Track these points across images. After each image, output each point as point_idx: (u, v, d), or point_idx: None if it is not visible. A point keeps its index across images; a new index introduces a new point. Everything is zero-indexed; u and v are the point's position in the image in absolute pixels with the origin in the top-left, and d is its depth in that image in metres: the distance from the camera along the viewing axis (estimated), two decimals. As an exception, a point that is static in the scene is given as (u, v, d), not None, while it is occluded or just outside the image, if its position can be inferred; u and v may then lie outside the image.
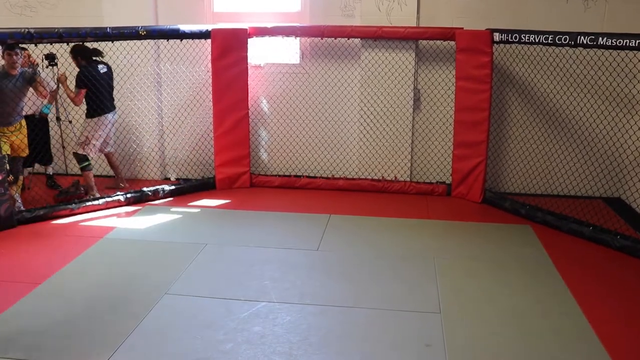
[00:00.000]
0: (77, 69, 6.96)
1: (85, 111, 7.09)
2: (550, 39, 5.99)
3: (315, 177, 7.71)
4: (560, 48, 6.40)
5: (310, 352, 3.96)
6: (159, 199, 7.21)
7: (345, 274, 5.19)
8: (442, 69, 7.31)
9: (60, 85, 6.98)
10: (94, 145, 7.09)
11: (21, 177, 6.80)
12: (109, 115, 7.17)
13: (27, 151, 6.68)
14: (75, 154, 7.11)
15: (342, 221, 6.42)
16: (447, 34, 6.91)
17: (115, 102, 7.30)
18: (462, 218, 6.55)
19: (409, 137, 7.51)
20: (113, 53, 7.29)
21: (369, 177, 7.63)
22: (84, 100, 6.93)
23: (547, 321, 4.36)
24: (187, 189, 7.49)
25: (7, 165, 6.21)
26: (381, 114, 7.44)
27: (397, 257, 5.50)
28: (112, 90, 7.23)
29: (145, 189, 7.23)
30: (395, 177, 7.59)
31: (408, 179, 7.61)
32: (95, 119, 7.04)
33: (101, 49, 7.06)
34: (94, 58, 7.00)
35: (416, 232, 6.16)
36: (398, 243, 5.83)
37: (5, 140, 6.37)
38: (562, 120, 7.09)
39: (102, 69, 7.05)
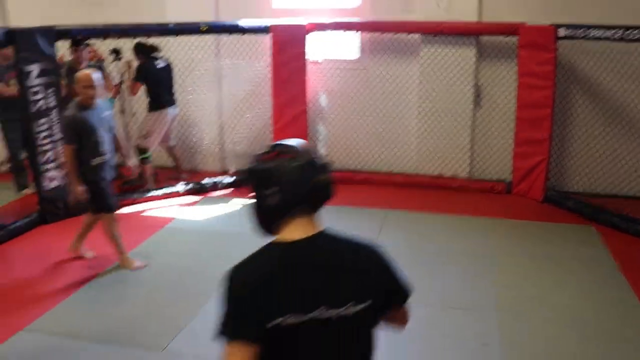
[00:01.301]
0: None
1: (147, 105, 7.27)
2: (619, 34, 5.79)
3: (373, 172, 7.69)
4: (630, 44, 6.16)
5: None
6: (218, 191, 7.33)
7: (401, 270, 5.15)
8: (504, 65, 7.17)
9: (123, 77, 7.19)
10: (154, 138, 7.25)
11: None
12: (169, 110, 7.32)
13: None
14: (137, 146, 7.30)
15: (400, 217, 6.39)
16: (510, 29, 6.77)
17: (176, 97, 7.45)
18: (523, 217, 6.42)
19: (469, 134, 7.40)
20: (175, 48, 7.44)
21: (427, 174, 7.57)
22: (146, 95, 7.11)
23: (608, 326, 4.23)
24: (245, 182, 7.58)
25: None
26: (440, 110, 7.36)
27: (455, 254, 5.45)
28: (172, 85, 7.38)
29: (204, 180, 7.38)
30: (454, 174, 7.50)
31: (467, 176, 7.51)
32: (156, 113, 7.19)
33: (162, 45, 7.22)
34: (151, 55, 7.16)
35: (475, 229, 6.08)
36: (456, 240, 5.77)
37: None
38: (630, 119, 6.85)
39: (159, 64, 7.20)
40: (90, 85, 4.86)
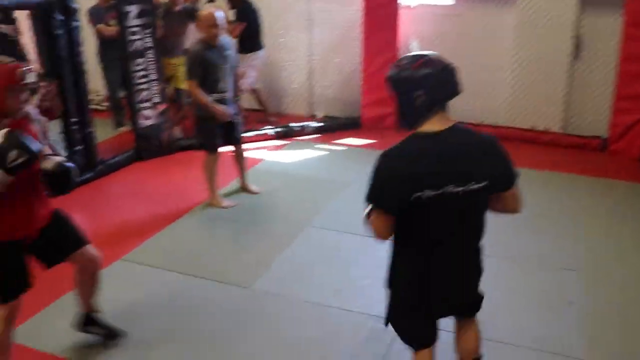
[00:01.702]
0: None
1: (238, 47, 7.34)
2: None
3: (462, 123, 7.53)
4: None
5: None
6: (306, 135, 7.41)
7: (487, 225, 5.10)
8: (608, 15, 6.76)
9: None
10: (248, 80, 7.35)
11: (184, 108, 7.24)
12: (260, 52, 7.39)
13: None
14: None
15: (487, 170, 6.27)
16: (618, -25, 6.38)
17: (264, 41, 7.48)
18: (617, 176, 6.15)
19: (565, 87, 7.09)
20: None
21: (518, 126, 7.35)
22: (239, 37, 7.17)
23: None
24: (333, 127, 7.64)
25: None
26: (536, 61, 7.07)
27: (542, 210, 5.31)
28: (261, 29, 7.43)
29: (292, 124, 7.46)
30: (547, 128, 7.26)
31: (560, 131, 7.24)
32: (249, 55, 7.27)
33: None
34: None
35: (565, 186, 5.89)
36: (544, 197, 5.62)
37: (168, 72, 6.80)
38: None
39: (251, 5, 7.24)
40: (213, 24, 4.95)
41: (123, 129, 7.36)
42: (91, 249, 3.25)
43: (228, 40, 5.26)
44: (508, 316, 3.80)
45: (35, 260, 3.11)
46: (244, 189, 5.71)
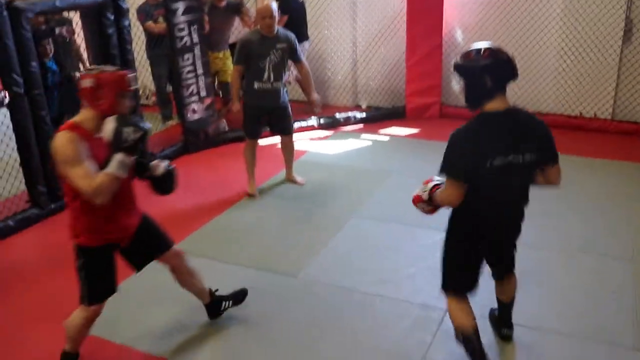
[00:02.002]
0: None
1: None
2: None
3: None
4: None
5: (490, 283, 3.99)
6: (350, 125, 7.45)
7: (534, 212, 5.06)
8: (662, -4, 6.59)
9: None
10: (293, 72, 7.42)
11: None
12: (306, 44, 7.45)
13: (232, 77, 7.19)
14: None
15: (533, 157, 6.19)
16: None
17: (309, 32, 7.54)
18: (669, 162, 6.02)
19: (615, 72, 6.95)
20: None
21: (566, 113, 7.24)
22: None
23: None
24: (377, 117, 7.67)
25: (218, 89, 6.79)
26: (584, 46, 6.94)
27: (591, 198, 5.25)
28: (305, 20, 7.48)
29: (337, 115, 7.52)
30: (595, 115, 7.12)
31: (609, 117, 7.10)
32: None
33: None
34: None
35: (615, 174, 5.80)
36: (593, 184, 5.55)
37: (214, 66, 6.92)
38: None
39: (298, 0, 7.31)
40: (265, 15, 5.11)
41: (171, 122, 7.53)
42: (176, 248, 3.43)
43: (285, 33, 5.36)
44: (553, 304, 3.79)
45: (126, 263, 3.30)
46: (289, 179, 5.81)
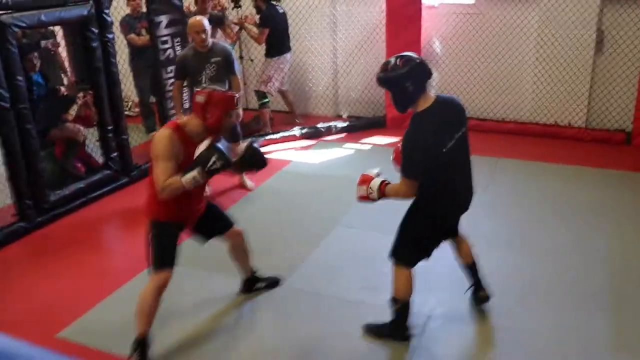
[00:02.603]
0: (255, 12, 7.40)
1: (266, 51, 7.53)
2: None
3: (485, 120, 7.65)
4: None
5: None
6: (332, 135, 7.57)
7: (512, 218, 5.21)
8: (631, 8, 6.80)
9: (243, 25, 7.45)
10: (275, 83, 7.54)
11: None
12: (287, 55, 7.57)
13: (217, 88, 7.29)
14: (257, 91, 7.62)
15: (511, 165, 6.36)
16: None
17: (290, 43, 7.67)
18: (642, 169, 6.22)
19: (588, 81, 7.15)
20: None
21: (541, 122, 7.43)
22: (266, 41, 7.36)
23: None
24: (358, 126, 7.80)
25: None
26: (559, 56, 7.14)
27: (566, 205, 5.41)
28: (288, 31, 7.61)
29: (319, 125, 7.63)
30: (570, 123, 7.32)
31: (583, 125, 7.30)
32: (276, 59, 7.46)
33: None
34: (271, 2, 7.37)
35: (589, 180, 5.97)
36: (569, 191, 5.71)
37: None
38: None
39: (280, 10, 7.42)
40: (200, 30, 5.30)
41: (154, 133, 7.54)
42: (237, 228, 3.92)
43: (221, 47, 5.54)
44: (530, 306, 3.92)
45: (196, 234, 3.81)
46: (241, 185, 6.04)
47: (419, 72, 3.15)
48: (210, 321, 3.94)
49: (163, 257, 3.50)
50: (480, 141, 7.11)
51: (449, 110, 3.24)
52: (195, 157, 3.25)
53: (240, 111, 5.30)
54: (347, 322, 3.86)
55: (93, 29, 5.69)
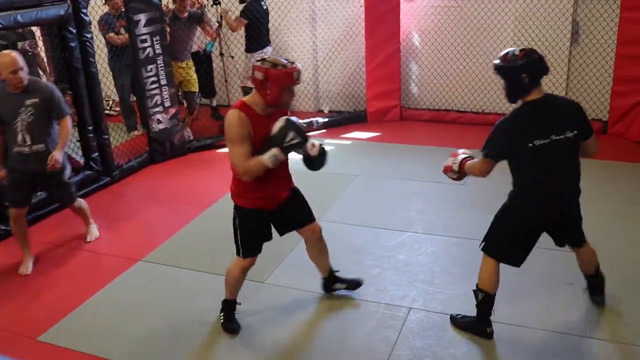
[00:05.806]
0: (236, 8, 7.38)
1: (246, 47, 7.52)
2: None
3: (465, 112, 7.72)
4: None
5: (451, 281, 4.18)
6: (313, 131, 7.60)
7: (491, 209, 5.22)
8: (604, 0, 6.89)
9: (222, 22, 7.44)
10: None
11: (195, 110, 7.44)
12: (268, 49, 7.56)
13: (196, 86, 7.28)
14: (243, 88, 7.59)
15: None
16: (612, -39, 6.49)
17: (270, 39, 7.66)
18: (618, 157, 6.29)
19: (564, 72, 7.24)
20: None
21: (521, 113, 7.49)
22: (246, 35, 7.35)
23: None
24: (339, 121, 7.83)
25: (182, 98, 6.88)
26: (535, 48, 7.13)
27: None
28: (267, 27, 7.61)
29: (300, 120, 7.62)
30: (549, 113, 7.38)
31: (561, 115, 7.37)
32: (258, 53, 7.44)
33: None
34: None
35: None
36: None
37: (177, 76, 7.00)
38: None
39: (264, 6, 7.42)
40: (17, 68, 4.31)
41: (135, 133, 7.55)
42: (316, 225, 3.84)
43: (39, 86, 4.56)
44: (513, 299, 3.97)
45: (275, 222, 3.69)
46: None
47: (536, 66, 3.23)
48: (186, 319, 3.96)
49: (246, 247, 3.60)
50: (461, 133, 7.22)
51: (552, 110, 3.26)
52: (271, 135, 3.29)
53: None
54: (329, 316, 3.91)
55: (71, 29, 5.67)
